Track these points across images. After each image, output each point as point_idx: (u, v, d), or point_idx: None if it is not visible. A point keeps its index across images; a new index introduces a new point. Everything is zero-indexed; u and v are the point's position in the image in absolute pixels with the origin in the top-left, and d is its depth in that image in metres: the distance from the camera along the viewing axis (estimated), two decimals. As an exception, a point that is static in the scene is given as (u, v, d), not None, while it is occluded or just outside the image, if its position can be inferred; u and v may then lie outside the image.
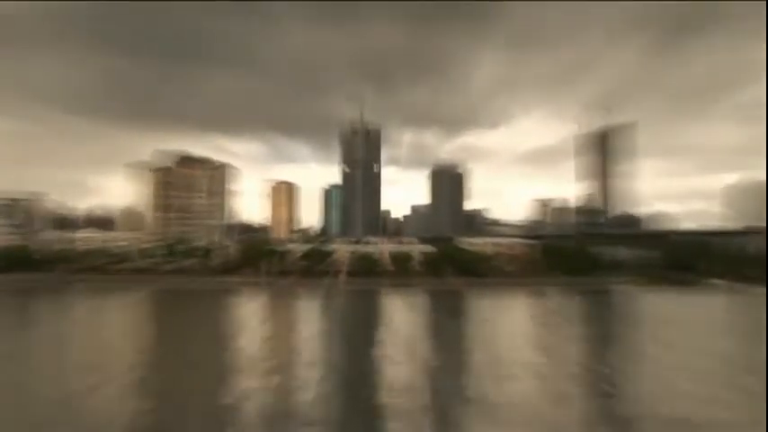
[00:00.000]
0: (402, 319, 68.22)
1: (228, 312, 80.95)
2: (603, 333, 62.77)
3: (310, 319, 73.17)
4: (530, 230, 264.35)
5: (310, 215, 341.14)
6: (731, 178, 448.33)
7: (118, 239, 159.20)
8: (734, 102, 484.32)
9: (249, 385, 35.71)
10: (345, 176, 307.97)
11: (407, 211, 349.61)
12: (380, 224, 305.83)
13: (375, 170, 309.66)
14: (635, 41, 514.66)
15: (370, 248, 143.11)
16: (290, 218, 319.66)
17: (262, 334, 59.74)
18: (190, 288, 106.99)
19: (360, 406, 31.45)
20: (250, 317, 75.13)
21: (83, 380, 36.94)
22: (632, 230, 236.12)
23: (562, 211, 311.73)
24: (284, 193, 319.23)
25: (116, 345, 52.61)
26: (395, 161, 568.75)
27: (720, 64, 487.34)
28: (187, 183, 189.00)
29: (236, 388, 35.17)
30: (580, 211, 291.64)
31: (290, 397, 33.64)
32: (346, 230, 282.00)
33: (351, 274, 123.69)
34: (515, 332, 60.93)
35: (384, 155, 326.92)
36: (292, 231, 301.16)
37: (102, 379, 37.13)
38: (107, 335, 58.92)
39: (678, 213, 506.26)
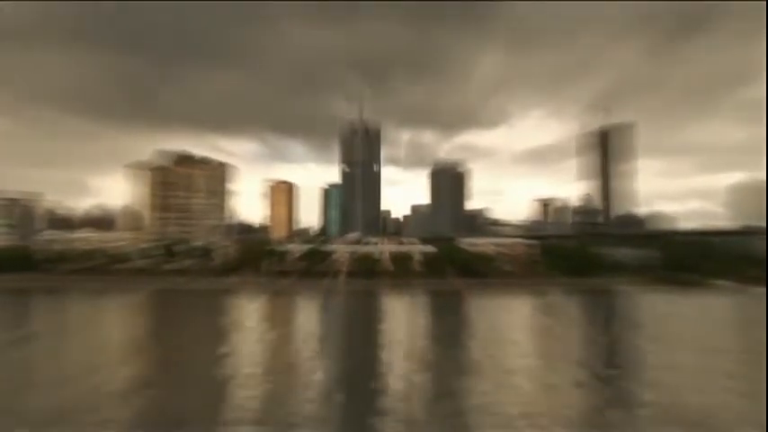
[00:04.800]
0: (402, 331, 66.60)
1: (223, 315, 79.72)
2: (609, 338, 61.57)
3: (307, 327, 72.01)
4: (530, 230, 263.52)
5: (310, 215, 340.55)
6: (733, 178, 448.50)
7: (116, 240, 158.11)
8: (735, 101, 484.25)
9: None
10: (345, 176, 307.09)
11: (407, 211, 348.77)
12: (380, 224, 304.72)
13: (375, 170, 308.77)
14: (635, 41, 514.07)
15: (370, 248, 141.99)
16: (290, 218, 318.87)
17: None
18: (188, 289, 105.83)
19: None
20: (240, 324, 73.99)
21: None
22: (633, 230, 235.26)
23: (563, 210, 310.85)
24: (283, 193, 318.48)
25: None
26: (395, 161, 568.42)
27: (721, 63, 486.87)
28: (186, 182, 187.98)
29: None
30: (580, 211, 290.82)
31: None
32: (346, 230, 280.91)
33: (351, 274, 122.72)
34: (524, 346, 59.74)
35: (384, 154, 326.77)
36: (291, 232, 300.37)
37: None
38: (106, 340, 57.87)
39: (679, 213, 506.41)
